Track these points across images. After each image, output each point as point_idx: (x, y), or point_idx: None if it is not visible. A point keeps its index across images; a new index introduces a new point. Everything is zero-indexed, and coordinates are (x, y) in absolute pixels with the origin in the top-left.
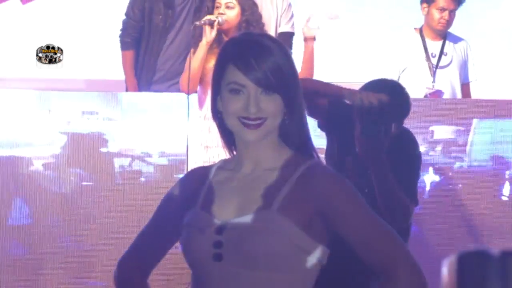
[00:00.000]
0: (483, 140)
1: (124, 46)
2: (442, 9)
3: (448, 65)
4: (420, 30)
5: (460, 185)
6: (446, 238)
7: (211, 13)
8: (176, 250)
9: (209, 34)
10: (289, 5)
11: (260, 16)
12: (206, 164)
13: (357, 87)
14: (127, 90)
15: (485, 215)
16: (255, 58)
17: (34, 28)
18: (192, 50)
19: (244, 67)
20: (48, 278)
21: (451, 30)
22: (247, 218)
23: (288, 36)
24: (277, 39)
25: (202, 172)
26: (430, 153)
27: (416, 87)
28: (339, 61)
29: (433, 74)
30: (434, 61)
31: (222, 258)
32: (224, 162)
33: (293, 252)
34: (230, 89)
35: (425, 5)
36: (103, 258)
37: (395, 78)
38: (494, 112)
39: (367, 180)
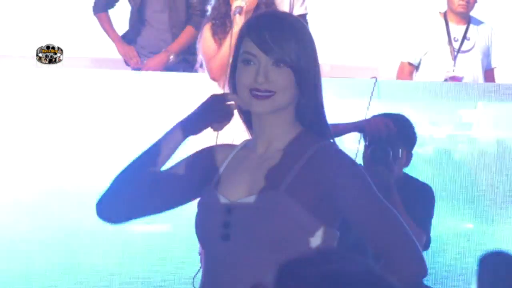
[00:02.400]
0: (488, 123)
1: (94, 10)
2: None
3: (470, 49)
4: (444, 14)
5: (464, 167)
6: (448, 219)
7: None
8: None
9: (240, 22)
10: None
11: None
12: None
13: (367, 69)
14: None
15: (487, 198)
16: (269, 30)
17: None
18: (207, 27)
19: (256, 37)
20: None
21: (476, 15)
22: (255, 199)
23: (303, 18)
24: (299, 19)
25: (226, 150)
26: (435, 136)
27: (436, 71)
28: (365, 43)
29: (454, 58)
30: (456, 45)
31: (230, 238)
32: (247, 142)
33: (299, 234)
34: (242, 60)
35: None
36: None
37: (417, 60)
38: (498, 95)
39: None
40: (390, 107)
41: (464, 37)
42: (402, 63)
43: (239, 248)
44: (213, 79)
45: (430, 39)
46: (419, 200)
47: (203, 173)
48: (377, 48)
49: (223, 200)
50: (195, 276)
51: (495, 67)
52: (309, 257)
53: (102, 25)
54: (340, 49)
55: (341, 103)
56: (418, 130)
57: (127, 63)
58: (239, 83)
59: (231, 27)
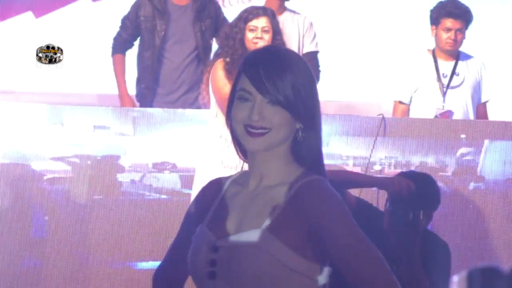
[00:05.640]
0: (495, 161)
1: (112, 51)
2: (448, 29)
3: (459, 85)
4: (433, 51)
5: (471, 206)
6: (454, 257)
7: (243, 33)
8: None
9: None
10: (311, 24)
11: (284, 41)
12: None
13: (371, 106)
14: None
15: (494, 236)
16: (265, 68)
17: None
18: (220, 66)
19: (252, 74)
20: None
21: (466, 50)
22: (240, 237)
23: (314, 55)
24: (299, 55)
25: (217, 185)
26: (441, 173)
27: (426, 108)
28: (354, 80)
29: (443, 94)
30: (445, 81)
31: (216, 276)
32: (240, 175)
33: (284, 273)
34: (238, 96)
35: (433, 27)
36: (113, 272)
37: (407, 98)
38: (506, 133)
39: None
40: (397, 144)
41: (453, 73)
42: (394, 102)
43: (224, 286)
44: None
45: (420, 76)
46: (439, 263)
47: (199, 218)
48: (379, 85)
49: (211, 237)
50: None
51: (487, 101)
52: None
53: (115, 67)
54: (343, 86)
55: (348, 140)
56: (424, 168)
57: None
58: (234, 119)
59: None
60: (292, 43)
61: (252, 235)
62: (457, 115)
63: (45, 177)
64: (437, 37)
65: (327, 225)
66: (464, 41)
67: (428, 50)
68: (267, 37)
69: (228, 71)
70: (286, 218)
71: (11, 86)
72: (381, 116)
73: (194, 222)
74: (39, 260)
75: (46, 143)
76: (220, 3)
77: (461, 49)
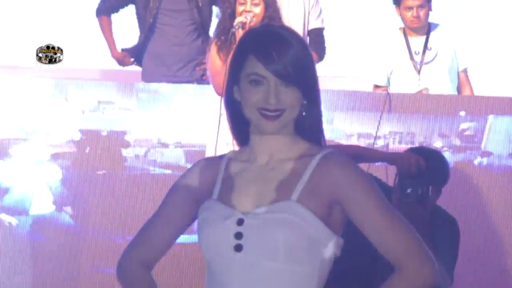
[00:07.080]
0: (499, 136)
1: (97, 12)
2: (409, 8)
3: (433, 59)
4: (404, 30)
5: (474, 181)
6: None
7: (234, 7)
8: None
9: None
10: (317, 0)
11: (280, 12)
12: None
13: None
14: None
15: (499, 210)
16: (276, 50)
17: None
18: (213, 44)
19: (264, 59)
20: (63, 266)
21: (437, 20)
22: (267, 209)
23: (319, 32)
24: (295, 31)
25: (213, 163)
26: (445, 148)
27: (403, 87)
28: (347, 56)
29: (418, 72)
30: (418, 58)
31: (242, 248)
32: (235, 154)
33: (312, 244)
34: (250, 80)
35: (396, 7)
36: (117, 246)
37: (384, 81)
38: (510, 109)
39: None
40: (401, 120)
41: (425, 48)
42: (373, 85)
43: (252, 258)
44: (219, 94)
45: (393, 57)
46: (446, 237)
47: (198, 195)
48: (348, 67)
49: (233, 211)
50: None
51: (466, 68)
52: None
53: (101, 28)
54: (337, 60)
55: (352, 116)
56: (428, 143)
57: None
58: (246, 102)
59: (235, 43)
60: (297, 20)
61: (281, 206)
62: (434, 90)
63: (49, 152)
64: (401, 16)
65: (352, 193)
66: (468, 13)
67: (400, 28)
68: (257, 10)
69: (219, 48)
70: (312, 189)
71: (16, 62)
72: (385, 91)
73: (187, 199)
74: (42, 236)
75: (50, 118)
76: None
77: (449, 20)
